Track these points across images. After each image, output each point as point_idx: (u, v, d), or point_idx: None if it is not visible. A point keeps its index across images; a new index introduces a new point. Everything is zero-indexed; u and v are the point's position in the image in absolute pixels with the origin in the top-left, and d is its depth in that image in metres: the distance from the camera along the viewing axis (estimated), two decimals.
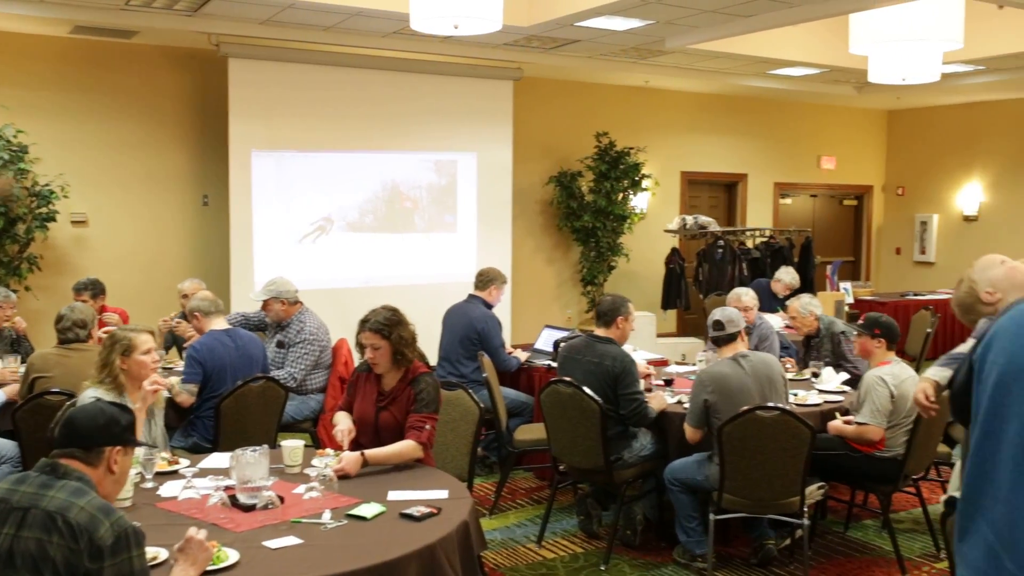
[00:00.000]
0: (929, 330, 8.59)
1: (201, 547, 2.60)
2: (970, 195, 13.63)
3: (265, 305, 6.08)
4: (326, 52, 9.03)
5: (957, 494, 2.44)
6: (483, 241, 10.20)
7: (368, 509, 3.21)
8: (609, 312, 5.13)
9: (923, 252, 14.24)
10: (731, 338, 4.83)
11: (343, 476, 3.60)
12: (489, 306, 6.65)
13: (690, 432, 4.80)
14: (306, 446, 3.92)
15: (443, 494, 3.42)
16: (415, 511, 3.19)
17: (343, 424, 4.04)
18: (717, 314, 4.92)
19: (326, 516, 3.14)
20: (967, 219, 13.70)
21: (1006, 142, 13.16)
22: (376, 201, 9.67)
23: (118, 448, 2.53)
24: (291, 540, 2.94)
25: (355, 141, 9.42)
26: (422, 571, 2.89)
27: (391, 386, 4.07)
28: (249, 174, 8.90)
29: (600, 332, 5.14)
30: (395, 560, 2.81)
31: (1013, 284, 3.26)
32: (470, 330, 6.45)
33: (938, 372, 2.84)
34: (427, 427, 3.92)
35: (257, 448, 3.38)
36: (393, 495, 3.40)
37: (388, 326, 3.99)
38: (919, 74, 7.55)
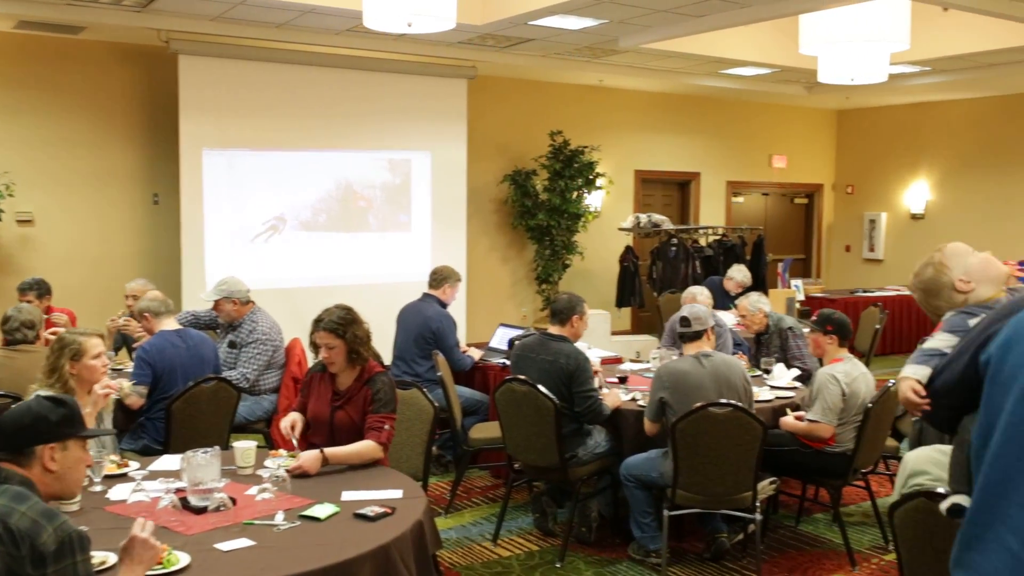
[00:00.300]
0: (878, 326, 8.72)
1: (145, 545, 2.51)
2: (917, 194, 13.88)
3: (216, 305, 6.01)
4: (278, 49, 8.95)
5: (960, 499, 2.39)
6: (437, 240, 10.17)
7: (322, 510, 3.19)
8: (564, 310, 5.14)
9: (872, 250, 14.48)
10: (697, 335, 4.86)
11: (301, 475, 3.58)
12: (444, 305, 6.64)
13: (648, 426, 4.84)
14: (259, 447, 3.88)
15: (397, 494, 3.41)
16: (369, 511, 3.18)
17: (286, 421, 4.02)
18: (686, 311, 4.98)
19: (279, 517, 3.12)
20: (914, 217, 13.95)
21: (951, 142, 13.42)
22: (329, 200, 9.60)
23: (51, 445, 2.45)
24: (243, 542, 2.91)
25: (308, 140, 9.35)
26: (376, 571, 2.87)
27: (346, 386, 4.04)
28: (200, 173, 8.80)
29: (554, 330, 5.16)
30: (349, 561, 2.79)
31: (987, 276, 3.20)
32: (424, 329, 6.43)
33: (917, 370, 2.76)
34: (386, 427, 3.91)
35: (208, 449, 3.34)
36: (347, 495, 3.38)
37: (342, 325, 3.97)
38: (867, 74, 7.67)
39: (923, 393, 2.59)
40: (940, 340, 2.84)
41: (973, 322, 2.73)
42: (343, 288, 9.10)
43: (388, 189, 9.95)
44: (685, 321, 4.88)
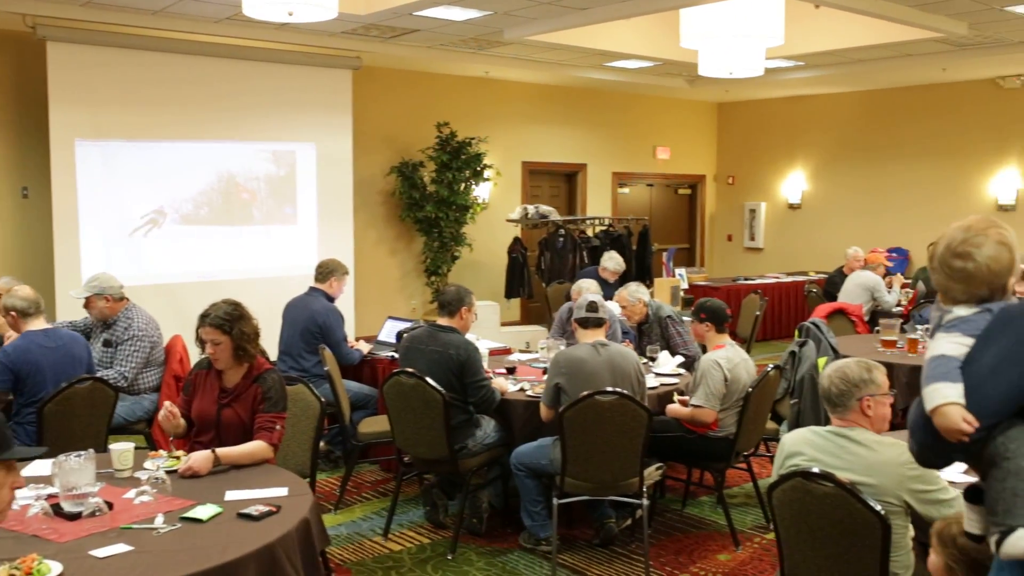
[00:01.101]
0: (758, 313, 8.99)
1: None
2: (794, 184, 14.37)
3: (88, 303, 5.76)
4: (155, 37, 8.66)
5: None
6: (324, 233, 10.02)
7: (204, 511, 3.11)
8: (453, 302, 5.14)
9: (752, 239, 14.93)
10: (599, 323, 4.93)
11: (192, 475, 3.50)
12: (330, 299, 6.54)
13: (544, 411, 4.88)
14: (138, 448, 3.75)
15: (283, 492, 3.34)
16: (253, 510, 3.11)
17: (161, 413, 3.90)
18: (592, 296, 5.04)
19: (159, 520, 3.02)
20: (791, 207, 14.43)
21: (825, 134, 13.94)
22: (211, 193, 9.35)
23: None
24: (120, 548, 2.80)
25: (188, 130, 9.07)
26: (261, 571, 2.81)
27: (234, 383, 3.95)
28: (73, 164, 8.44)
29: (443, 322, 5.15)
30: (232, 562, 2.72)
31: None
32: (311, 323, 6.33)
33: (956, 391, 2.38)
34: (277, 427, 3.85)
35: (82, 453, 3.21)
36: (231, 495, 3.30)
37: (229, 321, 3.87)
38: (744, 68, 7.88)
39: (975, 423, 2.14)
40: (956, 344, 2.27)
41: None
42: (227, 283, 8.87)
43: (272, 181, 9.75)
44: (593, 306, 4.94)
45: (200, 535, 2.94)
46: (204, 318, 3.91)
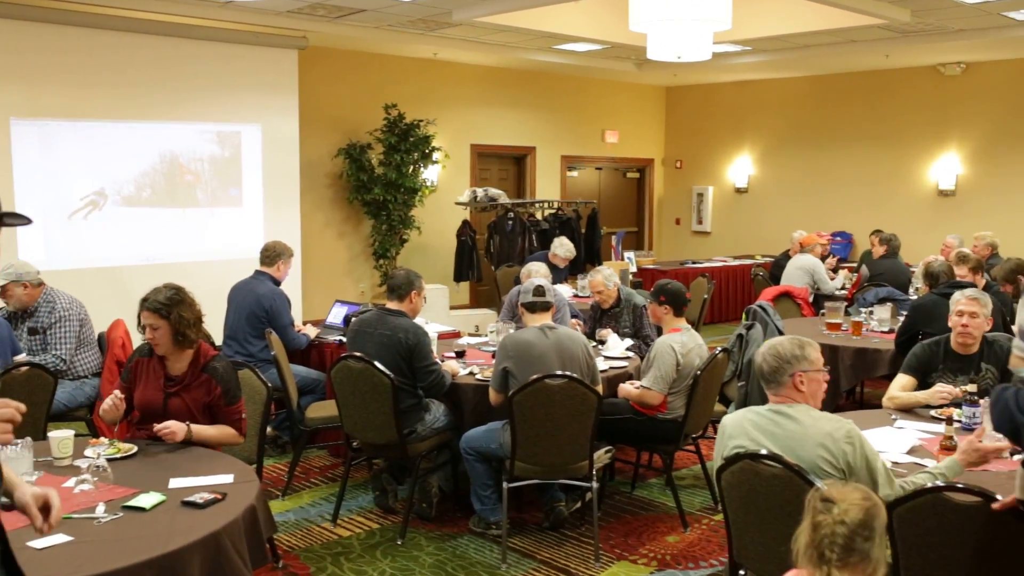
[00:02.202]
0: (706, 296, 9.07)
1: None
2: (741, 168, 14.50)
3: (5, 291, 5.58)
4: (95, 14, 8.42)
5: None
6: (270, 215, 9.88)
7: (147, 499, 3.04)
8: (403, 286, 5.09)
9: (700, 222, 15.05)
10: (546, 307, 4.93)
11: (168, 435, 3.63)
12: (277, 282, 6.45)
13: (494, 396, 4.87)
14: (79, 435, 3.66)
15: (228, 478, 3.29)
16: (198, 498, 3.05)
17: (108, 401, 3.82)
18: (538, 280, 5.03)
19: (100, 510, 2.95)
20: (738, 191, 14.57)
21: (771, 119, 14.07)
22: (154, 174, 9.15)
23: None
24: (59, 538, 2.72)
25: (129, 110, 8.86)
26: (206, 560, 2.76)
27: (181, 371, 3.88)
28: (8, 144, 8.20)
29: (392, 305, 5.10)
30: (176, 551, 2.67)
31: None
32: (257, 307, 6.23)
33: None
34: (244, 416, 3.97)
35: (19, 441, 3.12)
36: (175, 483, 3.23)
37: (168, 305, 3.80)
38: (692, 52, 7.89)
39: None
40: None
41: None
42: (171, 266, 8.72)
43: (217, 163, 9.57)
44: (540, 290, 4.93)
45: (143, 524, 2.88)
46: (144, 302, 3.86)
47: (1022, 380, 2.28)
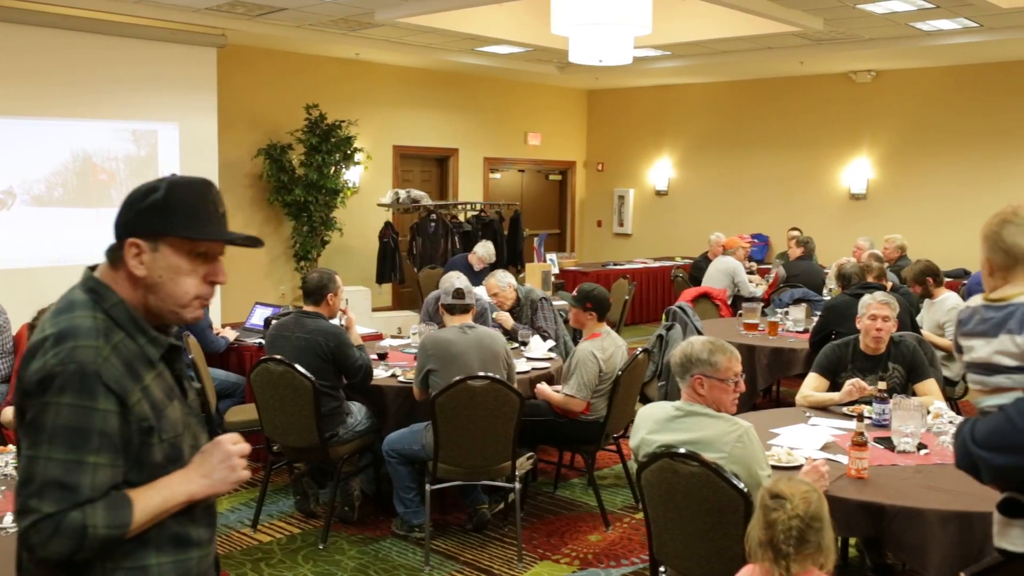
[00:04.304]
0: (627, 297, 9.18)
1: (225, 457, 1.92)
2: (661, 171, 14.71)
3: None
4: (2, 7, 8.15)
5: None
6: None
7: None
8: (318, 289, 5.05)
9: (621, 224, 15.22)
10: (465, 309, 4.95)
11: None
12: None
13: (418, 392, 4.88)
14: None
15: None
16: None
17: (9, 412, 3.71)
18: (459, 283, 5.04)
19: (7, 520, 2.86)
20: (659, 194, 14.77)
21: (691, 123, 14.31)
22: (66, 173, 8.89)
23: (135, 242, 1.87)
24: None
25: (40, 107, 8.59)
26: None
27: None
28: None
29: (309, 308, 5.06)
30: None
31: None
32: None
33: None
34: None
35: None
36: None
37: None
38: (613, 56, 7.98)
39: None
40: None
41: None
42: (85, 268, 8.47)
43: (132, 162, 9.34)
44: (459, 292, 4.95)
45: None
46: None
47: (982, 412, 2.27)
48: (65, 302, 1.84)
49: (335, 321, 5.13)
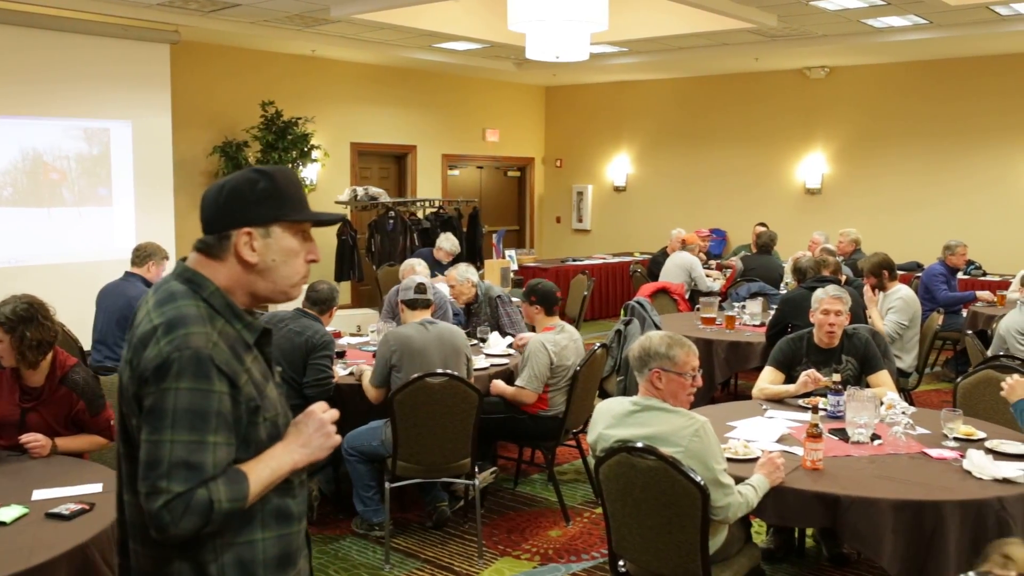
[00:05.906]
0: (586, 293, 9.21)
1: (321, 428, 2.00)
2: (619, 167, 14.76)
3: None
4: None
5: None
6: (142, 215, 9.55)
7: (7, 513, 2.90)
8: (327, 300, 5.18)
9: (580, 220, 15.25)
10: (426, 304, 4.96)
11: (36, 448, 3.52)
12: (148, 284, 6.23)
13: (373, 392, 4.84)
14: None
15: (97, 488, 3.17)
16: (64, 509, 2.93)
17: None
18: (420, 278, 5.07)
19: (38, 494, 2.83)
20: (617, 189, 14.83)
21: (648, 119, 14.37)
22: (15, 172, 8.73)
23: (247, 230, 1.94)
24: None
25: None
26: (74, 573, 2.66)
27: (38, 383, 3.69)
28: None
29: (311, 311, 5.15)
30: (40, 565, 2.56)
31: None
32: (127, 310, 5.99)
33: None
34: (113, 423, 3.75)
35: None
36: (38, 494, 3.10)
37: (13, 320, 3.57)
38: (570, 52, 7.99)
39: None
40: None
41: None
42: (36, 268, 8.36)
43: (84, 160, 9.19)
44: (421, 287, 4.94)
45: (3, 539, 2.75)
46: None
47: None
48: (165, 293, 1.90)
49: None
